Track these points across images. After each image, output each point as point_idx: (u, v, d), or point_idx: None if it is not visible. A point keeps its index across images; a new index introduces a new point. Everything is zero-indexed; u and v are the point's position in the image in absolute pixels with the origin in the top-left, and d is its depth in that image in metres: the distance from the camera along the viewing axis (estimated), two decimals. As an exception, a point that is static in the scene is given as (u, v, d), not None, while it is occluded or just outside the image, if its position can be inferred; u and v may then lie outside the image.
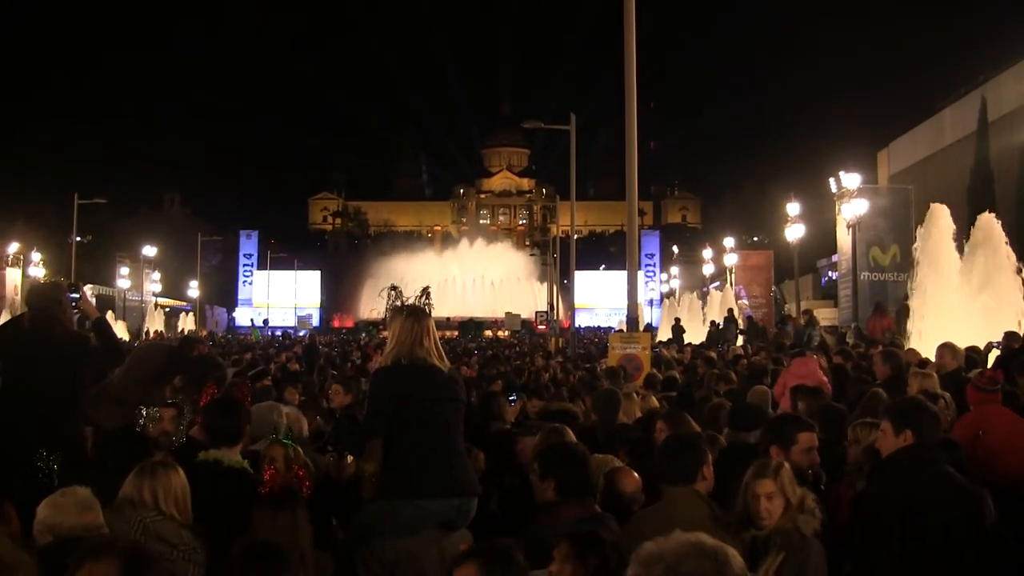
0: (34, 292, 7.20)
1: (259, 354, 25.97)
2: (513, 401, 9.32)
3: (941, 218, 19.58)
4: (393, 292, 5.84)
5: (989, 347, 14.13)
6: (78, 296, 7.17)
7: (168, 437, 6.71)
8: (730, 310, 32.90)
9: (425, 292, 5.87)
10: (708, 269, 56.44)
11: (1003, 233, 18.14)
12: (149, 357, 7.89)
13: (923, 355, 13.10)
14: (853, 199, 30.45)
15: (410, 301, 5.76)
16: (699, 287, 55.89)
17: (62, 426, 6.61)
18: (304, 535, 4.74)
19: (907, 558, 4.83)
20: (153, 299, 65.52)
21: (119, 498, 4.84)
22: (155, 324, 55.24)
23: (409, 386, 5.45)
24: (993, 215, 18.76)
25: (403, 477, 5.33)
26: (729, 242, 48.59)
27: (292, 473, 5.63)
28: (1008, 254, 17.90)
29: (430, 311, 5.73)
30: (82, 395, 7.05)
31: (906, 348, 14.80)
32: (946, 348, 11.58)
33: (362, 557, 5.44)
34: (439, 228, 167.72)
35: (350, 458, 5.74)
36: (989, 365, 12.92)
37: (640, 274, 29.18)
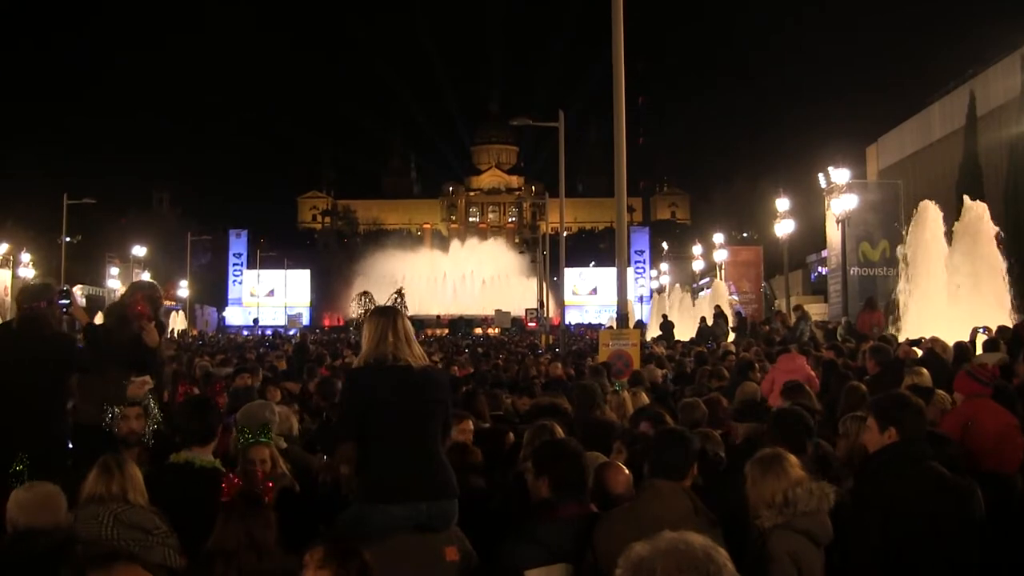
0: (24, 292, 7.21)
1: (246, 353, 25.89)
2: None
3: (929, 217, 19.72)
4: (363, 298, 5.73)
5: (975, 332, 14.22)
6: (68, 303, 7.14)
7: (136, 436, 6.69)
8: (718, 306, 32.90)
9: (399, 293, 5.75)
10: (698, 265, 56.49)
11: (991, 224, 18.27)
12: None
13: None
14: (842, 194, 30.52)
15: (386, 303, 5.66)
16: (689, 283, 55.86)
17: (53, 426, 6.64)
18: (263, 540, 4.64)
19: (890, 553, 4.85)
20: (143, 299, 65.11)
21: (84, 496, 4.92)
22: (144, 324, 54.87)
23: (378, 389, 5.32)
24: (980, 203, 18.90)
25: (371, 482, 5.24)
26: (719, 238, 48.64)
27: (262, 479, 5.60)
28: (991, 237, 18.05)
29: (405, 311, 5.65)
30: (68, 395, 7.08)
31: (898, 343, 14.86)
32: (934, 343, 11.65)
33: None
34: (428, 226, 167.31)
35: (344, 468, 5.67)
36: (978, 350, 13.04)
37: (630, 271, 29.19)
